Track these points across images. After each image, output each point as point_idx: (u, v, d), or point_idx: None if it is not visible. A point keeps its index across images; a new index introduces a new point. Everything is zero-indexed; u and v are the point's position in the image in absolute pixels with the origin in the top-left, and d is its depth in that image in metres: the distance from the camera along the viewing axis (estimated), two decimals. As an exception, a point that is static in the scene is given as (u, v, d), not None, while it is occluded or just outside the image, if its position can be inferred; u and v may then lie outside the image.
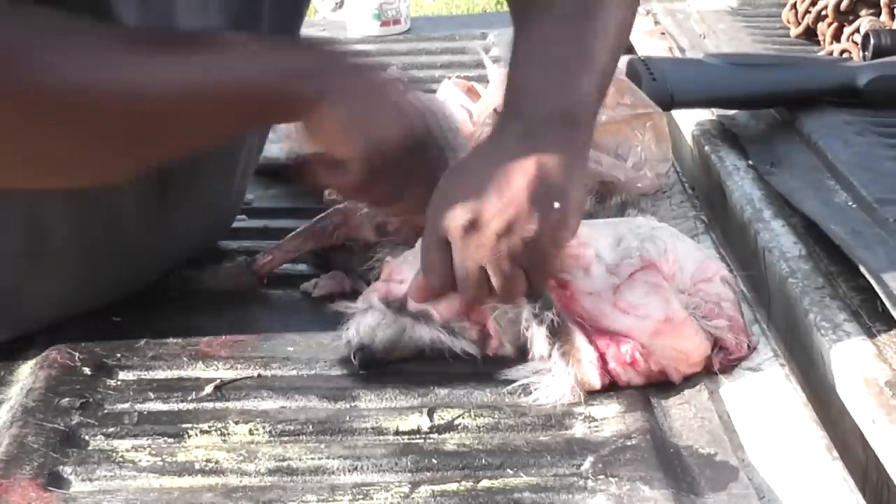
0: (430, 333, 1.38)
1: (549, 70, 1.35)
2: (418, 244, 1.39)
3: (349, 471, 1.25)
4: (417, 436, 1.31)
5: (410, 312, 1.39)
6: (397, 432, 1.31)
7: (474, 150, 1.37)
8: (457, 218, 1.29)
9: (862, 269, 1.49)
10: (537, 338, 1.35)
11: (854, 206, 1.69)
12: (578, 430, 1.31)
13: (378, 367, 1.40)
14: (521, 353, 1.39)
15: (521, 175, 1.28)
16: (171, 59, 1.26)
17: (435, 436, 1.31)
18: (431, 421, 1.32)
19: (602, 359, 1.34)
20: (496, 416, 1.33)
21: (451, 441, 1.30)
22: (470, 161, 1.34)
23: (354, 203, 1.53)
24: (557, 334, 1.35)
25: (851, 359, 1.37)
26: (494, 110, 1.76)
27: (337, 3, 3.12)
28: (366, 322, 1.41)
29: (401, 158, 1.30)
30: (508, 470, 1.24)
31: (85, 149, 1.26)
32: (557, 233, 1.31)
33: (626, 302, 1.36)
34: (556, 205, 1.29)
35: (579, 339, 1.35)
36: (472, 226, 1.28)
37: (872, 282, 1.45)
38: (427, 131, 1.33)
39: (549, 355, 1.35)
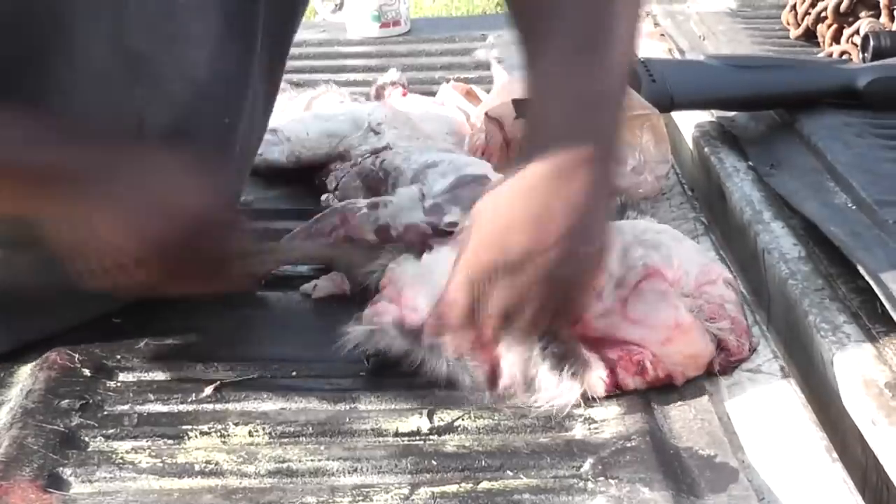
0: (445, 367, 1.37)
1: (569, 107, 1.32)
2: (424, 258, 1.40)
3: (349, 472, 1.25)
4: (417, 437, 1.31)
5: (425, 343, 1.37)
6: (397, 434, 1.31)
7: (504, 187, 1.32)
8: (492, 259, 1.27)
9: (861, 270, 1.49)
10: (546, 373, 1.34)
11: (854, 207, 1.69)
12: (578, 431, 1.31)
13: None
14: (530, 386, 1.37)
15: (556, 216, 1.26)
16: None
17: (434, 437, 1.31)
18: (431, 423, 1.32)
19: (612, 372, 1.34)
20: (496, 418, 1.33)
21: (451, 442, 1.30)
22: (501, 199, 1.31)
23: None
24: (566, 359, 1.34)
25: (851, 360, 1.37)
26: (486, 114, 1.76)
27: (336, 5, 3.12)
28: (378, 344, 1.40)
29: (181, 251, 1.32)
30: (508, 472, 1.23)
31: None
32: (591, 274, 1.31)
33: (635, 313, 1.35)
34: (590, 247, 1.29)
35: (589, 356, 1.34)
36: (508, 268, 1.27)
37: (872, 283, 1.45)
38: (197, 209, 1.34)
39: (559, 384, 1.34)
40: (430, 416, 1.33)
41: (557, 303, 1.30)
